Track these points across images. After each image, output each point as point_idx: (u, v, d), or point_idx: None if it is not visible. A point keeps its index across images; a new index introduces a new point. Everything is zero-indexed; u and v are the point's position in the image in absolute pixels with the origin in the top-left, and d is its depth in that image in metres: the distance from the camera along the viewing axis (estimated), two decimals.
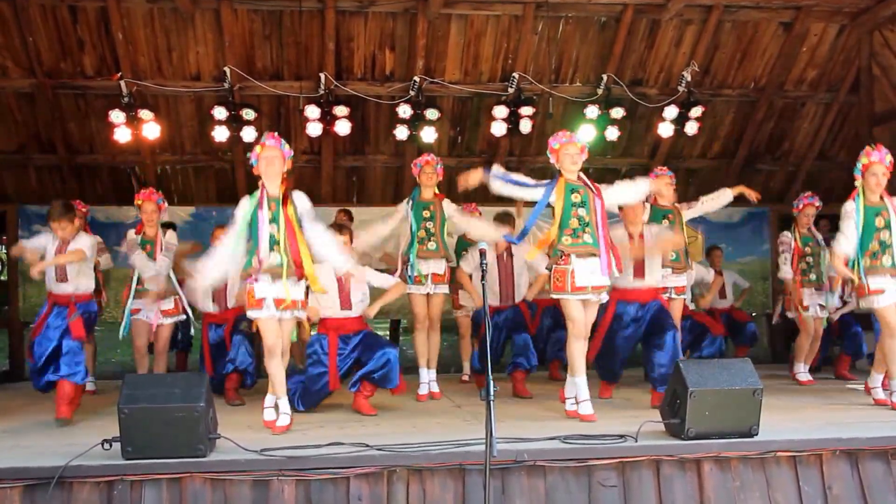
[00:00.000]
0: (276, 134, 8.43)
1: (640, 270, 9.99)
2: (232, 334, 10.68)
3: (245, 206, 8.34)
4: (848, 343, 12.54)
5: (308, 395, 9.57)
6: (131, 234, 10.67)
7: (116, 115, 12.82)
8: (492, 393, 5.86)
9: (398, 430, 8.22)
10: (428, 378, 10.77)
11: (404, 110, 13.53)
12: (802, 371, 11.95)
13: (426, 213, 10.54)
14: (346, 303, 9.67)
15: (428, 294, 10.57)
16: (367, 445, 7.13)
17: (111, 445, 6.87)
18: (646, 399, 9.79)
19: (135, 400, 6.86)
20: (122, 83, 12.83)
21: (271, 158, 8.31)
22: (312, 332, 9.76)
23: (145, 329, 10.57)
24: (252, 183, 14.36)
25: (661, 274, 10.13)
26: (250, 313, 8.34)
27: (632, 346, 10.05)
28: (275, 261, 8.22)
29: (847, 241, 9.41)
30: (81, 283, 9.40)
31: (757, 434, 7.38)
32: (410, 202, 10.62)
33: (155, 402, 6.85)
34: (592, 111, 13.97)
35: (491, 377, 5.96)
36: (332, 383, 9.52)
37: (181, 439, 6.81)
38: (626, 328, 9.90)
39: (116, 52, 13.05)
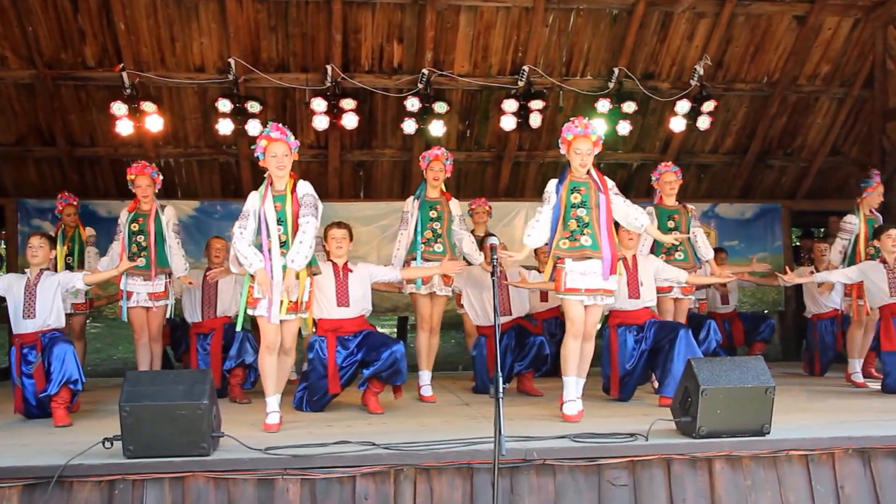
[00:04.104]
0: (280, 125, 8.22)
1: (634, 289, 9.88)
2: (225, 340, 10.65)
3: (254, 202, 8.16)
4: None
5: (312, 401, 9.45)
6: (123, 214, 10.44)
7: (118, 107, 12.76)
8: (501, 391, 5.71)
9: (405, 428, 8.12)
10: (426, 381, 10.46)
11: (412, 103, 13.47)
12: (857, 371, 11.55)
13: (433, 214, 10.26)
14: (342, 300, 9.46)
15: (432, 294, 10.31)
16: (374, 444, 7.03)
17: (112, 444, 6.77)
18: (656, 397, 9.75)
19: (136, 397, 6.74)
20: (124, 74, 12.76)
21: (279, 153, 8.11)
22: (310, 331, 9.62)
23: (140, 315, 10.34)
24: (258, 177, 14.31)
25: (654, 293, 10.08)
26: (250, 311, 8.19)
27: (644, 364, 9.90)
28: (281, 263, 8.09)
29: None
30: (51, 319, 9.20)
31: (769, 433, 7.28)
32: (417, 200, 10.37)
33: (157, 399, 6.73)
34: (604, 105, 13.90)
35: (500, 375, 5.78)
36: (331, 388, 9.36)
37: (184, 438, 6.69)
38: (632, 352, 9.85)
39: (118, 42, 12.94)
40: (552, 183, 8.62)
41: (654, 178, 10.97)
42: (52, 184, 14.43)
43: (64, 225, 11.90)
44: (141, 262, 10.18)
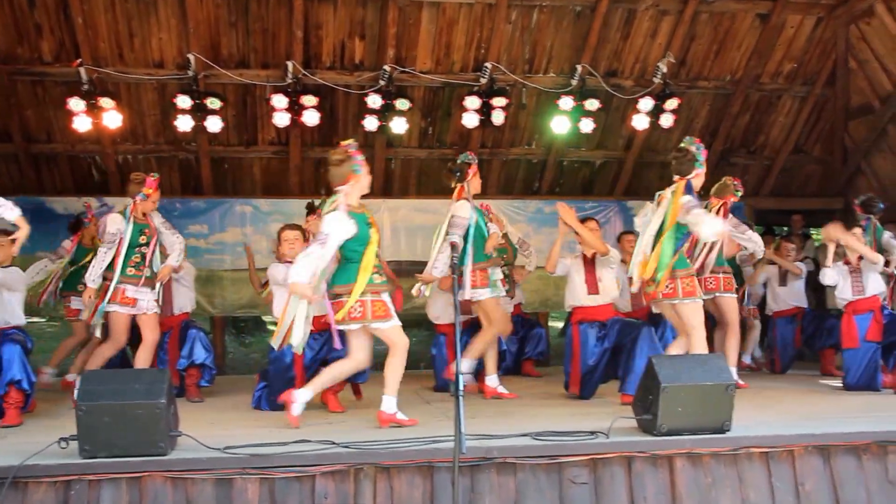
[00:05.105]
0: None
1: (593, 286, 9.88)
2: (182, 337, 10.58)
3: (348, 224, 7.89)
4: (829, 336, 12.31)
5: (271, 400, 9.37)
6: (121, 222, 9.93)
7: (76, 103, 12.58)
8: (461, 388, 5.70)
9: (365, 427, 8.07)
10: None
11: (374, 100, 13.40)
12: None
13: (485, 220, 10.20)
14: None
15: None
16: (334, 443, 6.98)
17: (68, 444, 6.68)
18: (619, 395, 9.72)
19: (93, 396, 6.65)
20: (82, 70, 12.57)
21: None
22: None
23: (128, 322, 9.93)
24: (218, 174, 14.22)
25: (616, 289, 10.16)
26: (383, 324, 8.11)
27: (606, 362, 9.88)
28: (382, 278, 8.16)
29: None
30: (9, 317, 9.08)
31: (729, 430, 7.28)
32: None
33: (114, 398, 6.65)
34: (566, 102, 13.86)
35: (461, 373, 5.75)
36: (298, 385, 9.24)
37: (141, 437, 6.61)
38: (594, 349, 9.84)
39: (76, 37, 12.78)
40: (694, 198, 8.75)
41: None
42: (9, 181, 14.20)
43: (89, 236, 11.71)
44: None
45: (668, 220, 8.72)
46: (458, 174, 9.96)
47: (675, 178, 8.93)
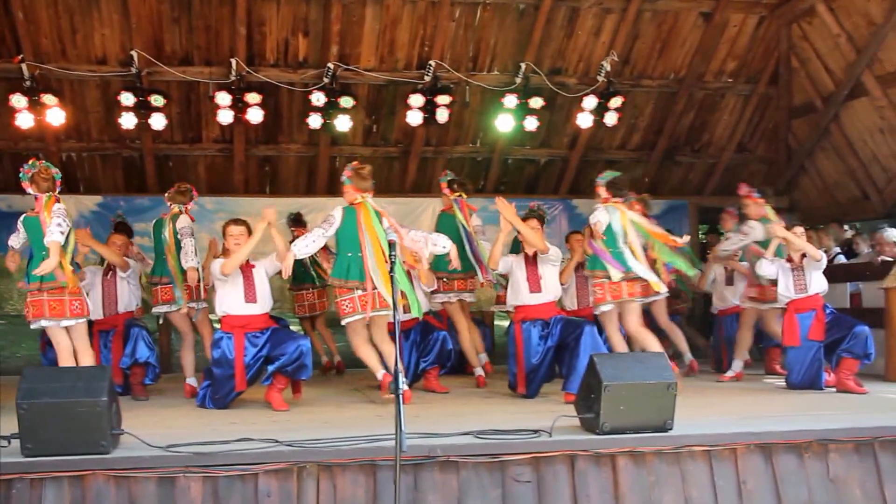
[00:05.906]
0: None
1: (535, 284, 9.95)
2: (125, 336, 10.55)
3: None
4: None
5: (217, 398, 9.39)
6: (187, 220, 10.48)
7: (18, 100, 12.43)
8: (400, 387, 5.78)
9: (309, 425, 8.07)
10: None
11: (318, 98, 13.36)
12: None
13: None
14: (250, 297, 9.44)
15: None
16: (277, 441, 6.97)
17: (10, 442, 6.65)
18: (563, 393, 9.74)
19: (35, 394, 6.62)
20: (24, 66, 12.44)
21: None
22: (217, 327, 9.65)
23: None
24: (163, 172, 14.15)
25: (558, 287, 10.26)
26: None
27: (550, 361, 9.94)
28: None
29: None
30: None
31: (672, 428, 7.31)
32: None
33: (56, 396, 6.62)
34: (511, 100, 13.90)
35: (400, 371, 5.81)
36: (238, 384, 9.33)
37: (83, 435, 6.57)
38: (538, 348, 9.88)
39: (17, 32, 12.61)
40: None
41: None
42: None
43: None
44: None
45: (653, 235, 10.05)
46: (466, 188, 11.31)
47: (617, 199, 9.93)
